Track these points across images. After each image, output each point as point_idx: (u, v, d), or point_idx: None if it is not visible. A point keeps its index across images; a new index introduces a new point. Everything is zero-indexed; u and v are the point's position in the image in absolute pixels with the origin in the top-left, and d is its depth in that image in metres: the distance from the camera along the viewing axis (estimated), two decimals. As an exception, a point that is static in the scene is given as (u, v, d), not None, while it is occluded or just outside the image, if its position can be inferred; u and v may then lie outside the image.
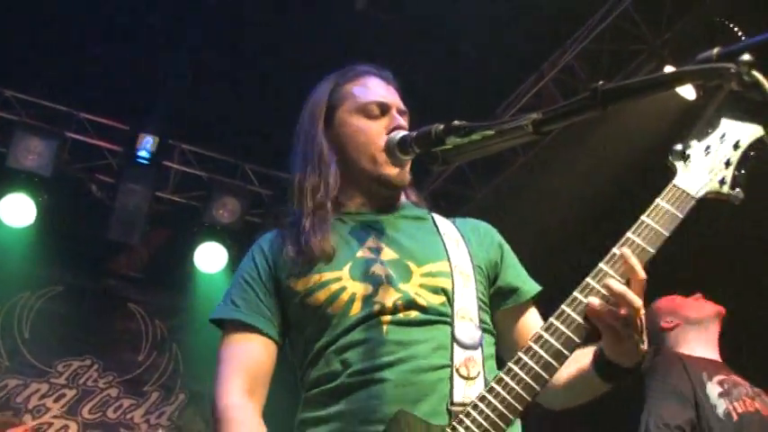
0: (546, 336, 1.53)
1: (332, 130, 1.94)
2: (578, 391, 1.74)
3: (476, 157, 1.32)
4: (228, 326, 1.82)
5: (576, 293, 1.55)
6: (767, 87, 0.74)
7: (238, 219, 6.76)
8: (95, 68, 6.02)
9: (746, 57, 0.78)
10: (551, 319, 1.55)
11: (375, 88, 1.96)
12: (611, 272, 1.54)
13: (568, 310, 1.54)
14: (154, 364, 7.42)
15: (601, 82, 0.95)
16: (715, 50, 0.84)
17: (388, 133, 1.84)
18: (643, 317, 1.53)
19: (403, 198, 2.01)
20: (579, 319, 1.52)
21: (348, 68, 2.02)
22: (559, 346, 1.51)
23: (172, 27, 5.73)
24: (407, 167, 1.91)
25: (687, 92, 5.22)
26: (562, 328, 1.52)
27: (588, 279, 1.54)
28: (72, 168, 6.53)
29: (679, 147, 1.50)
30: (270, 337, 1.79)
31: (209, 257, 6.89)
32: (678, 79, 0.88)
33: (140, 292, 7.54)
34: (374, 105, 1.92)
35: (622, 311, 1.49)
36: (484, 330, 1.77)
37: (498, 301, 1.90)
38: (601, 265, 1.56)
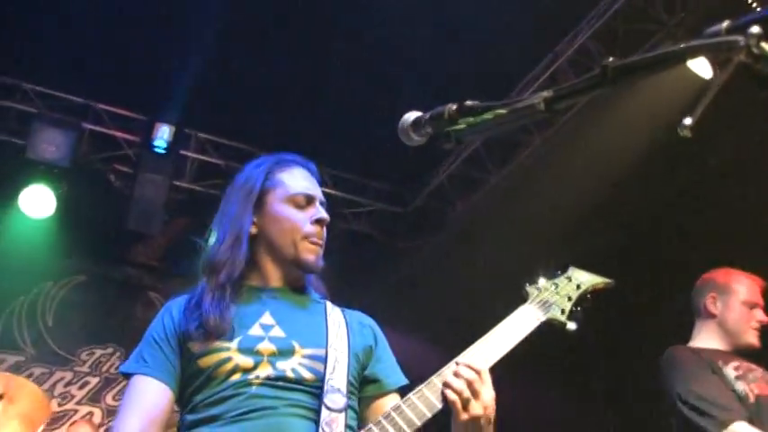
0: (393, 414, 1.86)
1: (260, 213, 2.18)
2: None
3: (488, 136, 1.33)
4: (136, 378, 2.03)
5: (421, 387, 1.91)
6: (774, 59, 0.75)
7: (256, 206, 6.79)
8: (111, 59, 6.07)
9: (755, 29, 0.79)
10: (400, 402, 1.91)
11: (301, 179, 2.22)
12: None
13: (413, 398, 1.88)
14: (174, 352, 7.51)
15: (611, 59, 0.96)
16: (724, 24, 0.85)
17: (312, 223, 2.14)
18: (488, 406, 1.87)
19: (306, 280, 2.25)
20: (434, 401, 1.87)
21: (279, 157, 2.27)
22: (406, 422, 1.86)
23: (185, 16, 5.75)
24: (321, 254, 2.17)
25: (703, 70, 5.17)
26: (408, 411, 1.87)
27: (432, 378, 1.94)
28: (90, 159, 6.59)
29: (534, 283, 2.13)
30: (170, 387, 2.01)
31: (228, 245, 6.92)
32: (687, 53, 0.89)
33: (160, 280, 7.63)
34: (301, 197, 2.18)
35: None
36: (349, 406, 2.00)
37: (363, 388, 2.12)
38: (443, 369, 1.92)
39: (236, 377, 1.94)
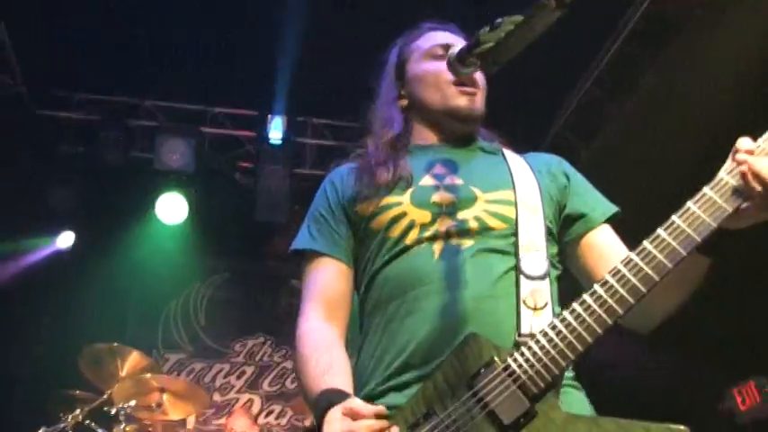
0: (636, 260, 1.46)
1: (404, 82, 2.04)
2: (667, 290, 1.58)
3: (520, 49, 1.28)
4: (307, 256, 1.90)
5: (673, 216, 1.47)
6: None
7: (381, 180, 6.88)
8: (218, 63, 6.29)
9: None
10: (645, 243, 1.48)
11: (439, 37, 2.06)
12: (715, 197, 1.47)
13: (664, 234, 1.46)
14: (321, 334, 7.75)
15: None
16: None
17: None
18: None
19: (474, 132, 2.04)
20: (691, 234, 1.44)
21: (413, 28, 2.13)
22: (649, 271, 1.44)
23: (277, 8, 5.86)
24: (478, 99, 1.94)
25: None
26: (655, 251, 1.45)
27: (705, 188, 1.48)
28: (213, 161, 6.90)
29: None
30: (345, 263, 1.85)
31: (358, 222, 7.06)
32: None
33: (298, 266, 7.85)
34: (437, 47, 2.00)
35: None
36: (552, 264, 1.74)
37: (567, 230, 1.86)
38: (704, 189, 1.48)
39: (414, 234, 1.74)
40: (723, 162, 1.51)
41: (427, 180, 1.84)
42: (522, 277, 1.65)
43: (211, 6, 5.88)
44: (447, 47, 1.95)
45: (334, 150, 7.13)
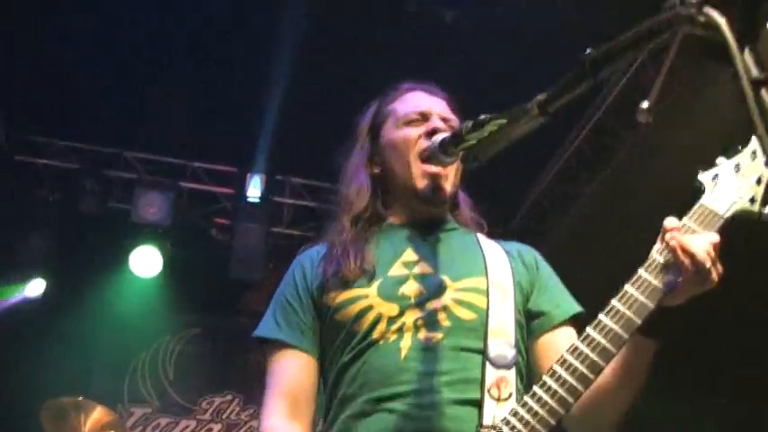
0: (581, 347, 1.48)
1: (377, 151, 1.99)
2: (618, 385, 1.60)
3: (502, 148, 1.31)
4: (273, 346, 1.84)
5: (613, 301, 1.50)
6: (721, 25, 0.70)
7: (353, 245, 6.89)
8: (200, 119, 6.34)
9: (697, -4, 0.74)
10: (588, 329, 1.49)
11: (416, 100, 2.00)
12: (650, 278, 1.51)
13: (605, 320, 1.49)
14: (290, 395, 7.65)
15: (587, 50, 0.93)
16: (678, -7, 0.80)
17: (426, 135, 1.85)
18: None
19: (449, 216, 2.01)
20: (644, 301, 1.47)
21: (392, 88, 2.09)
22: (595, 357, 1.45)
23: (259, 68, 5.95)
24: (444, 181, 1.87)
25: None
26: (598, 338, 1.46)
27: (627, 286, 1.52)
28: (190, 216, 6.88)
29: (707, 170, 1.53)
30: (311, 355, 1.80)
31: (330, 285, 7.03)
32: (651, 32, 0.84)
33: (271, 326, 7.80)
34: (414, 114, 1.94)
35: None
36: (519, 353, 1.73)
37: (527, 325, 1.83)
38: (639, 271, 1.53)
39: (381, 328, 1.69)
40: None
41: (396, 269, 1.79)
42: (488, 364, 1.63)
43: (198, 62, 5.97)
44: (424, 115, 1.92)
45: (310, 211, 7.17)
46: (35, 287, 6.69)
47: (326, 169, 7.12)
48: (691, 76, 4.95)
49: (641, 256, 1.56)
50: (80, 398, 5.12)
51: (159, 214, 6.38)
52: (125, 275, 6.79)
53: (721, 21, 0.71)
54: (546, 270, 1.93)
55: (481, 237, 1.95)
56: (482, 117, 1.38)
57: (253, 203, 6.64)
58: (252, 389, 7.61)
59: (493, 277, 1.77)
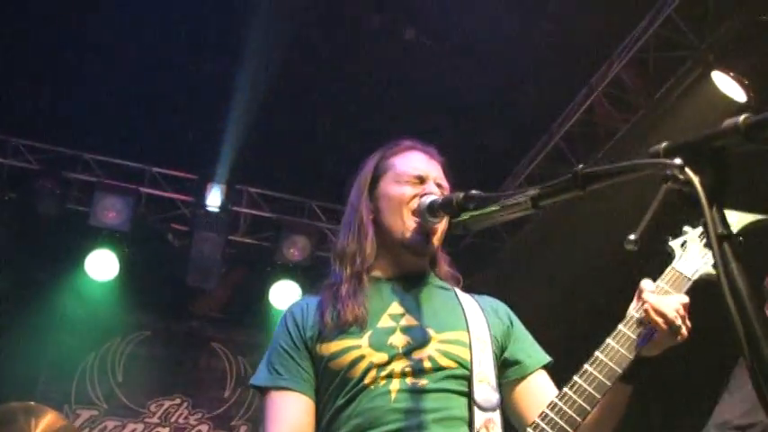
0: (569, 393, 1.68)
1: (373, 200, 2.12)
2: (599, 422, 1.81)
3: (491, 225, 1.48)
4: (271, 390, 1.96)
5: (597, 353, 1.72)
6: (697, 186, 0.87)
7: (309, 255, 7.01)
8: (162, 125, 6.37)
9: (677, 160, 0.92)
10: (575, 377, 1.69)
11: (416, 162, 2.13)
12: (628, 332, 1.75)
13: (590, 369, 1.70)
14: (240, 400, 7.73)
15: (581, 165, 1.10)
16: (663, 145, 0.98)
17: (420, 197, 2.01)
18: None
19: (430, 271, 2.15)
20: (613, 366, 1.70)
21: (394, 142, 2.22)
22: (582, 402, 1.65)
23: (226, 77, 6.03)
24: (435, 238, 2.04)
25: (738, 95, 5.20)
26: (584, 385, 1.67)
27: (608, 340, 1.75)
28: (149, 221, 6.91)
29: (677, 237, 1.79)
30: (310, 398, 1.93)
31: (284, 295, 7.14)
32: (636, 168, 1.02)
33: (222, 331, 7.88)
34: (412, 177, 2.08)
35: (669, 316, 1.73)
36: (501, 396, 1.90)
37: (503, 373, 2.00)
38: (619, 326, 1.76)
39: (372, 375, 1.84)
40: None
41: (385, 321, 1.94)
42: (476, 408, 1.81)
43: (165, 66, 5.98)
44: (422, 179, 2.07)
45: (267, 220, 7.27)
46: (-13, 286, 6.63)
47: (283, 180, 7.24)
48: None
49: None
50: (31, 402, 5.10)
51: (118, 219, 6.39)
52: (79, 278, 6.77)
53: (696, 180, 0.88)
54: (518, 324, 2.11)
55: (459, 292, 2.11)
56: (473, 192, 1.54)
57: (212, 212, 6.69)
58: (201, 393, 7.67)
59: (473, 330, 1.95)
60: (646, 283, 1.80)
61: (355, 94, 6.29)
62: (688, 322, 1.76)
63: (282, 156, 6.76)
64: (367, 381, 1.84)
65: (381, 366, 1.84)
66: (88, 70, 6.03)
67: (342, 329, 1.92)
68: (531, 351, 2.05)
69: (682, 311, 1.75)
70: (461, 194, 1.63)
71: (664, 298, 1.76)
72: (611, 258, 6.05)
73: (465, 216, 1.48)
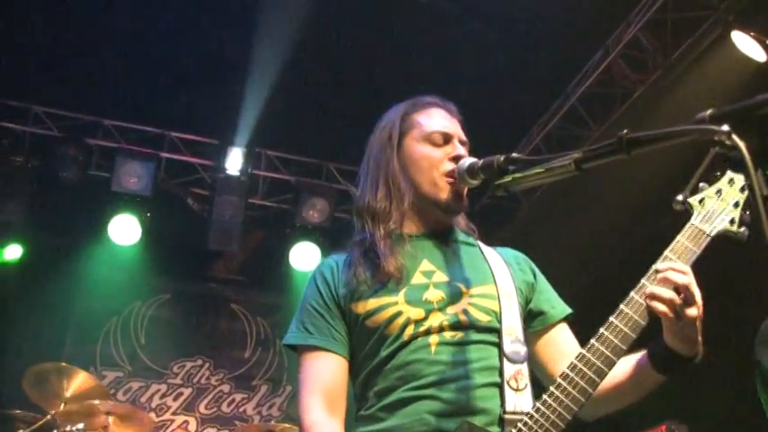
0: (596, 344, 1.72)
1: (399, 156, 2.12)
2: (626, 391, 1.90)
3: (531, 186, 1.54)
4: (304, 350, 2.01)
5: (622, 306, 1.75)
6: (743, 151, 0.93)
7: (328, 217, 7.10)
8: (182, 90, 6.41)
9: (725, 127, 0.98)
10: (602, 330, 1.74)
11: (439, 119, 2.15)
12: (640, 299, 1.75)
13: (616, 321, 1.73)
14: (260, 360, 7.90)
15: (625, 131, 1.16)
16: (708, 112, 1.04)
17: (449, 160, 2.05)
18: (700, 305, 1.71)
19: (454, 224, 2.18)
20: (637, 318, 1.72)
21: (416, 99, 2.21)
22: (609, 353, 1.70)
23: (245, 41, 6.04)
24: (465, 193, 2.07)
25: (758, 54, 5.19)
26: (611, 337, 1.71)
27: (632, 293, 1.76)
28: (169, 186, 6.99)
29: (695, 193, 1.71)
30: (343, 356, 1.98)
31: (304, 256, 7.26)
32: (682, 134, 1.08)
33: (241, 293, 8.02)
34: (438, 134, 2.10)
35: (682, 296, 1.69)
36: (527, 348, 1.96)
37: (528, 323, 2.06)
38: (642, 280, 1.76)
39: (410, 331, 1.89)
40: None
41: (418, 278, 1.98)
42: (505, 360, 1.88)
43: (185, 30, 6.00)
44: (447, 136, 2.10)
45: (284, 183, 7.35)
46: (12, 251, 6.76)
47: (301, 143, 7.26)
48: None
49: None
50: (62, 363, 5.24)
51: (140, 184, 6.49)
52: (103, 243, 6.88)
53: (743, 146, 0.94)
54: (540, 276, 2.17)
55: (482, 246, 2.16)
56: (515, 155, 1.60)
57: (231, 176, 6.77)
58: (221, 354, 7.83)
59: (500, 284, 2.00)
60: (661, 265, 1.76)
61: (372, 57, 6.30)
62: (695, 290, 1.71)
63: (300, 119, 6.80)
64: (406, 336, 1.89)
65: (419, 322, 1.90)
66: (108, 37, 6.06)
67: (378, 287, 1.95)
68: (554, 302, 2.12)
69: (676, 299, 1.70)
70: (501, 157, 1.69)
71: (657, 287, 1.72)
72: (629, 215, 6.15)
73: (508, 178, 1.54)
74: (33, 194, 6.58)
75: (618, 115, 6.28)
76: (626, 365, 1.86)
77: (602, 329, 1.74)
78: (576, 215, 6.57)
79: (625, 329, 1.72)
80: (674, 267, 1.71)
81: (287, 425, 5.38)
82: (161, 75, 6.26)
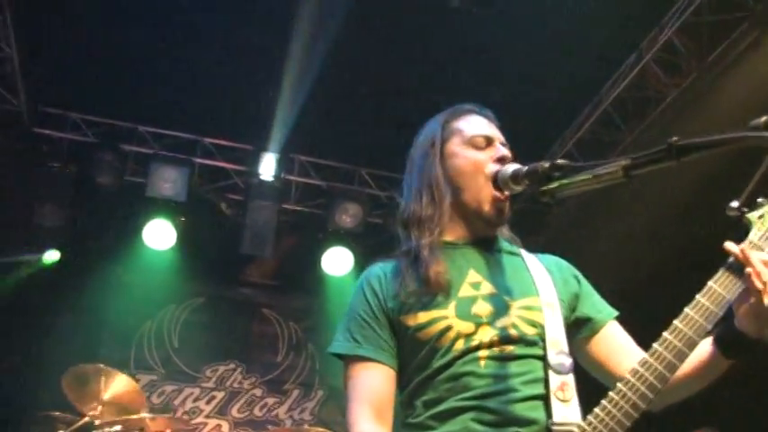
0: (659, 349, 1.70)
1: (443, 163, 2.11)
2: (691, 382, 1.88)
3: (577, 193, 1.54)
4: (352, 360, 2.00)
5: (686, 309, 1.71)
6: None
7: (360, 222, 7.12)
8: (215, 96, 6.48)
9: (782, 135, 0.97)
10: (665, 334, 1.71)
11: (480, 124, 2.16)
12: (719, 289, 1.73)
13: (680, 326, 1.70)
14: (292, 364, 7.95)
15: (674, 138, 1.16)
16: (763, 119, 1.03)
17: (494, 162, 2.04)
18: None
19: (498, 232, 2.17)
20: (702, 322, 1.69)
21: (453, 108, 2.22)
22: (672, 358, 1.68)
23: (279, 47, 6.09)
24: (508, 206, 2.06)
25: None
26: (675, 341, 1.69)
27: (698, 297, 1.73)
28: (203, 191, 7.07)
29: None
30: (391, 367, 1.97)
31: (336, 261, 7.30)
32: (734, 141, 1.08)
33: (273, 297, 8.07)
34: (480, 138, 2.10)
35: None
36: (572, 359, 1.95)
37: (576, 331, 2.05)
38: (709, 283, 1.72)
39: (460, 345, 1.89)
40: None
41: (466, 290, 1.98)
42: (551, 372, 1.88)
43: (218, 36, 6.06)
44: (489, 139, 2.10)
45: (317, 188, 7.40)
46: (51, 256, 6.88)
47: (334, 149, 7.30)
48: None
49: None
50: (100, 365, 5.31)
51: (174, 189, 6.56)
52: (138, 248, 6.98)
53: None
54: (584, 281, 2.15)
55: (525, 255, 2.15)
56: (560, 162, 1.60)
57: (265, 181, 6.83)
58: (253, 358, 7.90)
59: (543, 295, 2.00)
60: (730, 244, 1.73)
61: (404, 64, 6.33)
62: None
63: (333, 125, 6.84)
64: (456, 350, 1.90)
65: (469, 336, 1.90)
66: (143, 44, 6.14)
67: (427, 300, 1.96)
68: (600, 307, 2.10)
69: None
70: (546, 163, 1.68)
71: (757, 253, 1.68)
72: (667, 219, 6.08)
73: (554, 185, 1.54)
74: (71, 200, 6.68)
75: (651, 120, 6.23)
76: (692, 355, 1.81)
77: (665, 334, 1.71)
78: (611, 220, 6.52)
79: (690, 333, 1.69)
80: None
81: (320, 429, 5.41)
82: (195, 81, 6.34)
